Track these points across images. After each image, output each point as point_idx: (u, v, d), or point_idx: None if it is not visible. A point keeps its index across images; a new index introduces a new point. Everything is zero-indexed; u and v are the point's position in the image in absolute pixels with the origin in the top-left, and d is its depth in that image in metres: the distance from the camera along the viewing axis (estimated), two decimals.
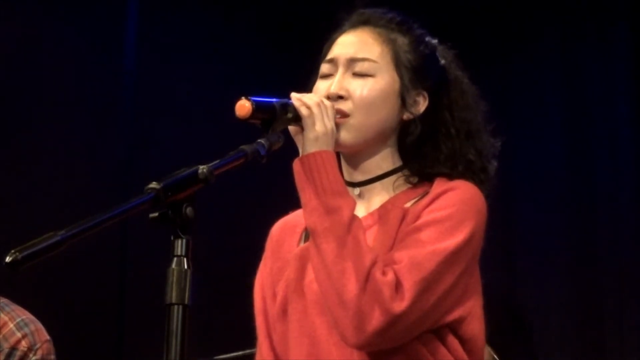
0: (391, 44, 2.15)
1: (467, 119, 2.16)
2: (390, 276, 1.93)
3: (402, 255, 1.97)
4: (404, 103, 2.13)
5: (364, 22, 2.19)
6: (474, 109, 2.18)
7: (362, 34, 2.17)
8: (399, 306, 1.92)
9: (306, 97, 2.03)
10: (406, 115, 2.14)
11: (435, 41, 2.21)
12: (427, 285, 1.95)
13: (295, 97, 2.03)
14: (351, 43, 2.16)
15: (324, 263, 1.96)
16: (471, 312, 2.05)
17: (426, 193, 2.10)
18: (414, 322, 1.95)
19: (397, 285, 1.93)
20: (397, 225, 2.05)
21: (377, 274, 1.92)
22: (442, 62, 2.19)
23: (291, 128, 2.06)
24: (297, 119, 2.02)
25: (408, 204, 2.09)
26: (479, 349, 2.08)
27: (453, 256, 1.99)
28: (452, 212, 2.02)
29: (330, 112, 2.05)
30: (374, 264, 1.93)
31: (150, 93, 4.74)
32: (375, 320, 1.91)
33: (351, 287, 1.92)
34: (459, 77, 2.20)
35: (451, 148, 2.14)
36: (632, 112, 4.59)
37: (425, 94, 2.15)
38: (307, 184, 2.00)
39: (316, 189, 1.99)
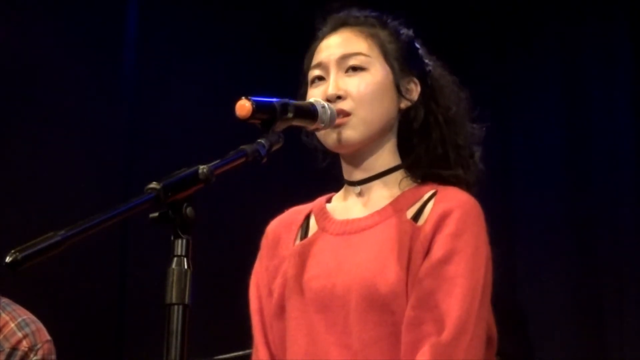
0: (375, 37, 2.18)
1: (450, 105, 2.20)
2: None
3: (437, 316, 1.97)
4: (399, 92, 2.16)
5: (342, 24, 2.22)
6: (455, 97, 2.22)
7: (344, 34, 2.20)
8: None
9: None
10: (404, 104, 2.18)
11: (410, 31, 2.24)
12: (465, 330, 1.97)
13: None
14: (337, 44, 2.18)
15: None
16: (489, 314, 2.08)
17: (427, 198, 2.10)
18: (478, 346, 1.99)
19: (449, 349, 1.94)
20: (407, 242, 2.05)
21: None
22: (420, 50, 2.23)
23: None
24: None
25: (410, 212, 2.10)
26: (494, 346, 2.11)
27: (479, 284, 2.02)
28: (466, 240, 2.03)
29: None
30: None
31: (150, 93, 4.74)
32: None
33: None
34: (437, 66, 2.24)
35: (440, 134, 2.17)
36: (632, 111, 4.59)
37: (416, 80, 2.19)
38: None
39: None
